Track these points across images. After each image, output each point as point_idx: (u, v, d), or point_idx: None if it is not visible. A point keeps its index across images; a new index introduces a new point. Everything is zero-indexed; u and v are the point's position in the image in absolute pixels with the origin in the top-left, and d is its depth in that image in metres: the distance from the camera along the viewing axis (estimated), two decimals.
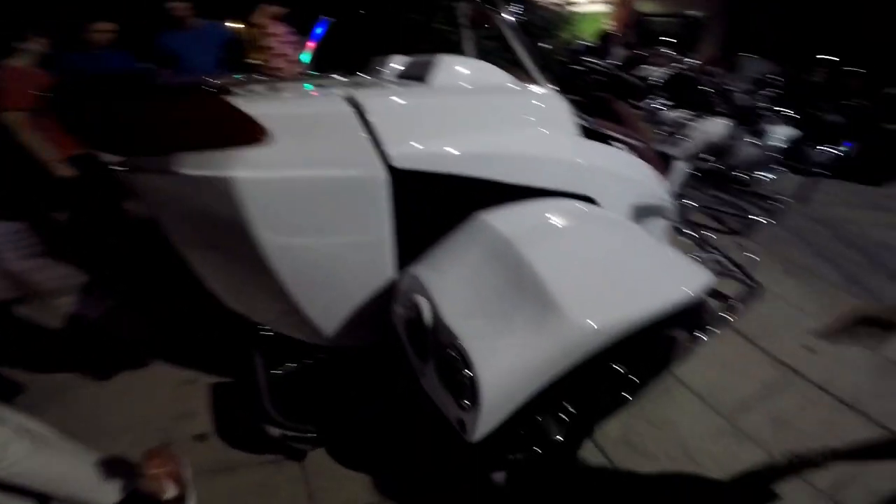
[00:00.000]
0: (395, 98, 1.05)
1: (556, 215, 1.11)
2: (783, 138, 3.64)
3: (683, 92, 3.60)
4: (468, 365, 0.83)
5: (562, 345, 0.86)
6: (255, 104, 0.89)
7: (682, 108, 3.27)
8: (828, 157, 4.30)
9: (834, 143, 4.55)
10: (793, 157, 3.97)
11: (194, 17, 3.36)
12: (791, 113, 3.97)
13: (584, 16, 6.18)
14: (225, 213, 0.90)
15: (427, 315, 0.93)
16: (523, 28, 1.54)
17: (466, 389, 0.85)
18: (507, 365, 0.84)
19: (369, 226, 1.03)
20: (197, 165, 0.87)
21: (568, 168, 1.27)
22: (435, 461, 1.54)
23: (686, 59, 3.52)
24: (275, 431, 1.27)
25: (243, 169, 0.86)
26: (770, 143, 3.33)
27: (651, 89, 4.43)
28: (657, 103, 3.63)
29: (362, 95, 1.00)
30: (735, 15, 10.88)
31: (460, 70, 1.29)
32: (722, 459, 1.61)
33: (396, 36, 4.24)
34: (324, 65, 3.89)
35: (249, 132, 0.84)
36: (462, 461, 1.47)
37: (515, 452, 1.21)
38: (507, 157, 1.14)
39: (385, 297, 1.15)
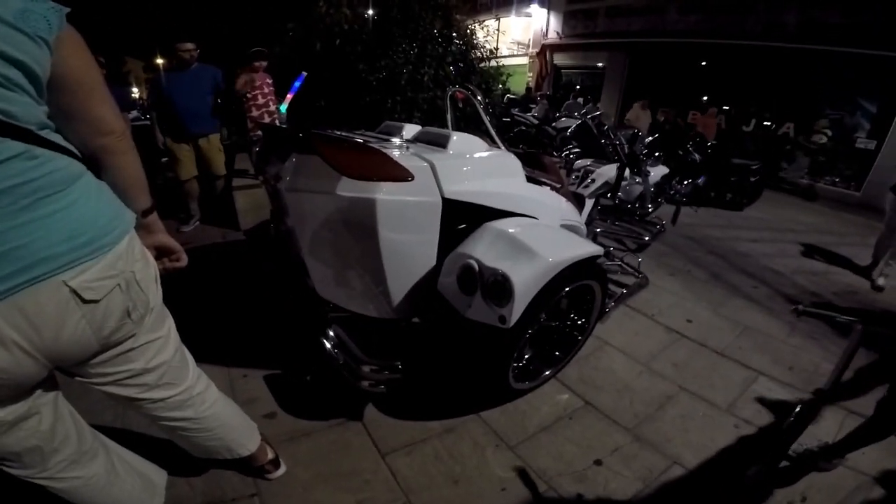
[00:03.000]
0: (443, 158, 1.94)
1: (522, 222, 2.11)
2: (658, 177, 4.88)
3: (586, 140, 4.84)
4: (506, 279, 1.72)
5: (541, 267, 1.82)
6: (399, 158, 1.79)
7: (587, 155, 4.49)
8: (687, 189, 5.72)
9: (694, 177, 6.01)
10: (664, 191, 5.24)
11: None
12: (661, 155, 5.31)
13: (510, 69, 7.31)
14: (363, 219, 1.71)
15: (475, 266, 1.81)
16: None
17: (505, 293, 1.73)
18: (523, 276, 1.76)
19: (430, 229, 1.90)
20: (351, 190, 1.68)
21: (522, 200, 2.24)
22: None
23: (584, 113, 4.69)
24: (366, 369, 1.95)
25: (379, 194, 1.69)
26: (649, 180, 4.54)
27: (564, 140, 5.72)
28: (570, 151, 4.89)
29: (430, 156, 1.90)
30: (631, 65, 13.28)
31: (463, 139, 2.17)
32: (646, 387, 2.50)
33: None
34: (296, 115, 4.74)
35: (406, 175, 1.73)
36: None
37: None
38: (494, 193, 2.09)
39: (427, 280, 1.98)
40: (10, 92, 0.85)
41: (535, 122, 8.27)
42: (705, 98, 11.26)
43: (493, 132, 2.48)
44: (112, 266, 0.99)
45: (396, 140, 2.19)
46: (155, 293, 1.17)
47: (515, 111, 9.19)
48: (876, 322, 1.85)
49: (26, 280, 0.86)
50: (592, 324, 2.49)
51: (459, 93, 2.91)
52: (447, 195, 1.87)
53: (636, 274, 3.64)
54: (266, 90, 4.53)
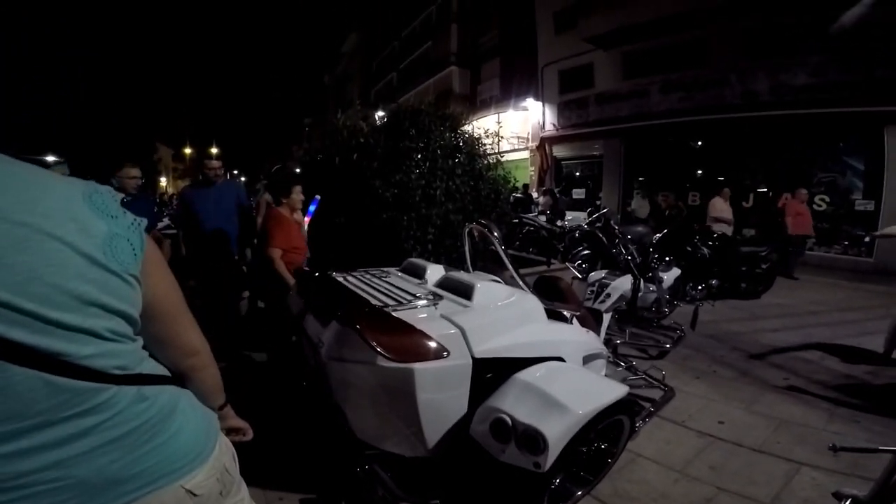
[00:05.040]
0: (471, 320, 2.23)
1: (549, 369, 2.34)
2: (671, 280, 5.12)
3: (595, 246, 5.13)
4: (539, 433, 1.93)
5: (572, 420, 2.02)
6: (431, 326, 2.07)
7: (598, 257, 4.77)
8: (702, 293, 5.91)
9: (706, 276, 6.17)
10: (678, 294, 5.41)
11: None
12: (672, 259, 5.54)
13: (513, 165, 7.46)
14: (402, 385, 1.98)
15: (508, 420, 2.02)
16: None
17: (540, 444, 1.93)
18: (556, 430, 1.95)
19: (462, 385, 2.16)
20: (391, 362, 1.95)
21: (546, 344, 2.50)
22: None
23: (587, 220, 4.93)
24: None
25: (417, 364, 1.97)
26: (663, 286, 4.78)
27: (572, 243, 6.03)
28: (581, 259, 5.15)
29: (459, 320, 2.20)
30: (626, 150, 14.07)
31: (486, 290, 2.49)
32: (684, 493, 2.57)
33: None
34: (315, 234, 4.90)
35: (441, 352, 2.00)
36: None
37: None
38: (519, 345, 2.36)
39: (458, 425, 2.20)
40: (119, 344, 0.94)
41: (545, 224, 8.75)
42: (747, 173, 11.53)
43: (512, 270, 2.79)
44: (212, 466, 1.24)
45: (423, 296, 2.47)
46: (235, 470, 1.40)
47: (524, 216, 9.71)
48: None
49: (152, 489, 1.10)
50: (622, 447, 2.66)
51: (476, 229, 3.26)
52: (477, 355, 2.15)
53: (661, 387, 3.77)
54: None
